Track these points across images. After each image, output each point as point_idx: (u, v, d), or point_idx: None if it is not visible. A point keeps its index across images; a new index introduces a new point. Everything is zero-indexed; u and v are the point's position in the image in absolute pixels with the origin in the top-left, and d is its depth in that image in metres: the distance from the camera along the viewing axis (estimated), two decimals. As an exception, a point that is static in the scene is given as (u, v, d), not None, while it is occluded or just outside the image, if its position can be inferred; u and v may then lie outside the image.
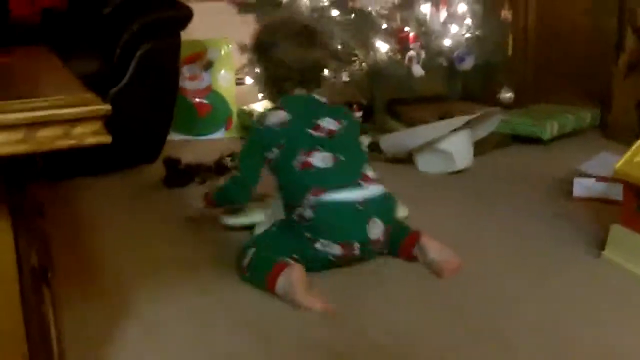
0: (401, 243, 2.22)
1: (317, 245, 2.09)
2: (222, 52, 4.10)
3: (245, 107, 3.98)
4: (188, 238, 2.51)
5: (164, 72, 3.29)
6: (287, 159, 2.18)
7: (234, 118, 4.04)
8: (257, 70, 2.37)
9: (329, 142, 2.21)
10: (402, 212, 2.47)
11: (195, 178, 3.14)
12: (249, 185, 2.29)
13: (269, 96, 2.49)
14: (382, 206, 2.19)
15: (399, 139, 3.31)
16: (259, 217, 2.49)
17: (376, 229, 2.13)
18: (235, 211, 2.56)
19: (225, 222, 2.56)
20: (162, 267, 2.25)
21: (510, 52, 3.94)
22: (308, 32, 2.35)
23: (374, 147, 3.40)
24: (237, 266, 2.16)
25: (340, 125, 2.27)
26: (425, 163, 3.26)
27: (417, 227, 2.28)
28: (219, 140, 3.92)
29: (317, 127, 2.23)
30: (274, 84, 2.34)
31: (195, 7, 3.36)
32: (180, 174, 3.13)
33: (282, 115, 2.23)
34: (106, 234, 2.54)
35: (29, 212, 1.26)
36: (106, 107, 0.92)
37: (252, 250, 2.12)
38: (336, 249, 2.10)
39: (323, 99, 2.36)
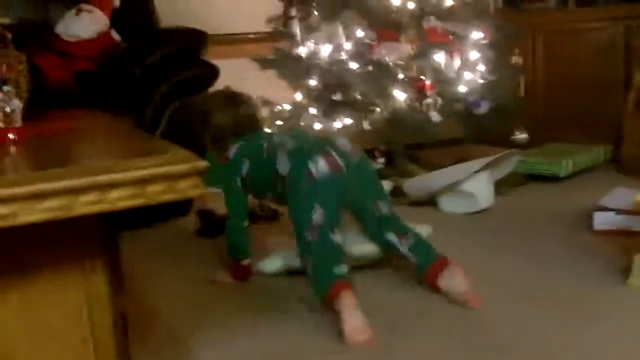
0: (429, 267, 2.34)
1: (312, 169, 2.27)
2: (246, 107, 4.23)
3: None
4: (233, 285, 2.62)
5: (192, 129, 3.42)
6: (256, 158, 2.49)
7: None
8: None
9: (281, 135, 2.59)
10: (424, 230, 2.62)
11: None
12: (242, 221, 2.58)
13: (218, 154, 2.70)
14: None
15: (422, 182, 3.44)
16: (292, 260, 2.59)
17: (341, 142, 2.40)
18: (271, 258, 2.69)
19: (262, 268, 2.67)
20: (213, 311, 2.36)
21: (522, 94, 4.06)
22: (231, 96, 2.72)
23: (397, 191, 3.52)
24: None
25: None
26: (449, 204, 3.38)
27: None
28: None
29: (268, 134, 2.65)
30: (218, 144, 2.64)
31: (219, 64, 3.52)
32: (214, 225, 3.24)
33: (235, 145, 2.57)
34: (155, 284, 2.64)
35: (112, 262, 1.38)
36: (204, 164, 1.05)
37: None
38: (322, 164, 2.27)
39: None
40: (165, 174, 1.02)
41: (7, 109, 1.34)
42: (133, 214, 2.93)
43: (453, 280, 2.29)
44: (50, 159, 1.16)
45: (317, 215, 2.24)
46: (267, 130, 3.61)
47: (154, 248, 3.09)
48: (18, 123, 1.37)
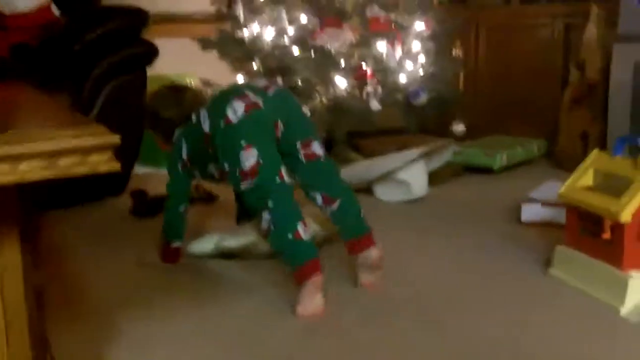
0: (355, 240, 2.33)
1: (229, 115, 2.24)
2: (186, 87, 4.22)
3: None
4: (161, 265, 2.61)
5: (130, 107, 3.39)
6: (192, 134, 2.44)
7: (197, 151, 4.16)
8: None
9: None
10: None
11: (161, 209, 3.24)
12: (181, 205, 2.58)
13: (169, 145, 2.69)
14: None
15: (359, 170, 3.46)
16: (225, 241, 2.61)
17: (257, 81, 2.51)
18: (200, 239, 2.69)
19: (192, 250, 2.66)
20: (141, 290, 2.35)
21: (462, 87, 4.12)
22: (175, 89, 2.73)
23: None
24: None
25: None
26: (384, 192, 3.42)
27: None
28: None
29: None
30: (169, 134, 2.61)
31: (161, 43, 3.50)
32: (147, 206, 3.23)
33: (178, 131, 2.55)
34: (83, 262, 2.63)
35: (30, 237, 1.37)
36: (116, 138, 1.05)
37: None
38: (237, 105, 2.24)
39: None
40: (76, 147, 1.01)
41: None
42: (65, 191, 2.92)
43: (369, 261, 2.31)
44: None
45: (249, 158, 2.19)
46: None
47: (86, 227, 3.07)
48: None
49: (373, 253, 2.30)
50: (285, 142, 2.33)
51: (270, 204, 2.17)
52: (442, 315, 2.12)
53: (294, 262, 2.17)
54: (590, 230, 2.20)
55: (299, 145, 2.34)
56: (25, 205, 1.29)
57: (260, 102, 2.28)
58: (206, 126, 2.32)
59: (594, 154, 2.35)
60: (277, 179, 2.20)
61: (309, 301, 2.14)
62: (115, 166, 1.06)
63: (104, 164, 1.05)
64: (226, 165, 2.26)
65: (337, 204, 2.34)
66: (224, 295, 2.32)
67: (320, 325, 2.07)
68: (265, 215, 2.18)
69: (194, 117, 2.43)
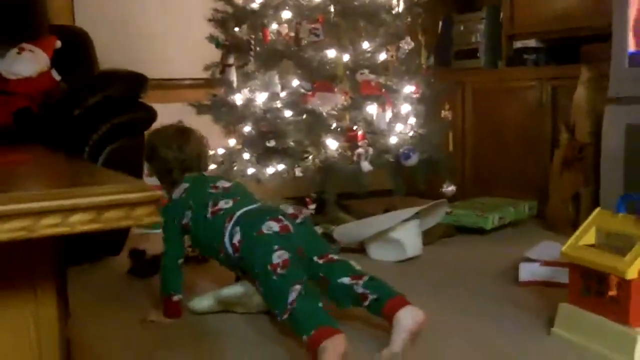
0: (390, 300, 2.30)
1: (265, 230, 2.41)
2: (179, 150, 4.28)
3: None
4: (164, 322, 2.63)
5: (128, 170, 3.43)
6: (200, 214, 2.59)
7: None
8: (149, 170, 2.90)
9: (227, 194, 2.66)
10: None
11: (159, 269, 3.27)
12: (177, 260, 2.66)
13: (165, 187, 2.81)
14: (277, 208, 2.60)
15: (352, 229, 3.53)
16: (222, 296, 2.65)
17: (286, 208, 2.57)
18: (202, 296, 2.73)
19: (192, 307, 2.70)
20: (145, 348, 2.38)
21: (451, 148, 4.21)
22: (180, 132, 2.85)
23: (327, 238, 3.59)
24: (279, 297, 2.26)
25: (231, 184, 2.75)
26: (377, 252, 3.47)
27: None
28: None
29: (215, 187, 2.69)
30: (166, 176, 2.78)
31: (156, 107, 3.57)
32: (145, 265, 3.26)
33: (183, 187, 2.69)
34: (85, 322, 2.65)
35: (62, 291, 1.42)
36: (159, 193, 1.11)
37: (299, 287, 2.23)
38: (274, 225, 2.43)
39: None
40: (124, 201, 1.07)
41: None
42: (67, 250, 2.94)
43: (409, 316, 2.25)
44: (8, 185, 1.20)
45: (279, 255, 2.32)
46: (212, 169, 3.71)
47: (85, 286, 3.08)
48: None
49: (416, 312, 2.27)
50: (306, 264, 2.46)
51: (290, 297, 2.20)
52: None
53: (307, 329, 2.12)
54: (594, 288, 2.22)
55: (316, 258, 2.49)
56: (59, 260, 1.34)
57: (291, 227, 2.47)
58: (235, 239, 2.45)
59: (596, 212, 2.38)
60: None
61: None
62: (157, 219, 1.12)
63: (148, 217, 1.10)
64: (254, 265, 2.37)
65: (367, 276, 2.41)
66: (227, 349, 2.34)
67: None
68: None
69: (207, 202, 2.59)
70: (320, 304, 2.20)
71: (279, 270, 2.27)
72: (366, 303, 2.35)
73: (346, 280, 2.39)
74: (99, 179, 1.24)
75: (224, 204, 2.57)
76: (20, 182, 1.28)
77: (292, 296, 2.19)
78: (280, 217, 2.49)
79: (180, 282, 2.65)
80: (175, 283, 2.64)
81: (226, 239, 2.48)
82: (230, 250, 2.48)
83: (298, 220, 2.54)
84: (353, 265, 2.50)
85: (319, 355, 2.02)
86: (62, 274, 1.41)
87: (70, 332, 1.55)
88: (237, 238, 2.45)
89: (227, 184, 2.73)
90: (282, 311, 2.19)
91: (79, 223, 1.05)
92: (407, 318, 2.23)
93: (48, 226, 1.03)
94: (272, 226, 2.42)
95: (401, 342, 2.18)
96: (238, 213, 2.51)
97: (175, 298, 2.63)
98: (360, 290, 2.36)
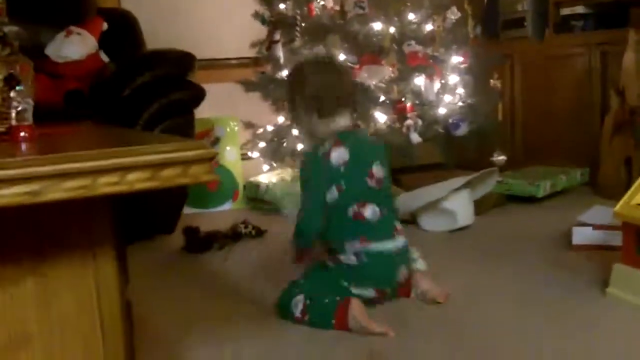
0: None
1: (352, 290, 2.31)
2: (228, 129, 4.33)
3: (251, 180, 4.20)
4: (224, 291, 2.67)
5: (179, 147, 3.48)
6: (343, 206, 2.35)
7: (240, 190, 4.25)
8: (292, 107, 2.52)
9: (378, 193, 2.40)
10: (420, 265, 2.59)
11: (214, 245, 3.32)
12: (315, 226, 2.39)
13: (307, 132, 2.59)
14: (407, 255, 2.45)
15: (403, 200, 3.52)
16: None
17: (403, 275, 2.39)
18: None
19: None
20: (204, 319, 2.42)
21: (500, 118, 4.17)
22: (331, 63, 2.66)
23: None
24: (284, 313, 2.35)
25: (384, 171, 2.46)
26: (429, 222, 3.46)
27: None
28: (228, 212, 4.12)
29: (371, 175, 2.39)
30: (314, 110, 2.40)
31: (205, 87, 3.59)
32: (200, 242, 3.31)
33: (343, 154, 2.34)
34: (143, 294, 2.69)
35: (121, 255, 1.44)
36: (214, 151, 1.12)
37: (301, 297, 2.30)
38: (371, 293, 2.33)
39: (370, 138, 2.67)
40: (180, 159, 1.09)
41: (20, 108, 1.41)
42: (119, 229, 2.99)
43: (419, 285, 2.45)
44: (66, 148, 1.22)
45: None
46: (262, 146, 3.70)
47: (141, 263, 3.13)
48: (29, 121, 1.43)
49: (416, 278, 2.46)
50: None
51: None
52: (501, 344, 2.11)
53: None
54: (648, 247, 2.20)
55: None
56: (118, 227, 1.36)
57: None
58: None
59: (648, 171, 2.37)
60: None
61: (372, 324, 2.18)
62: (215, 177, 1.14)
63: (204, 174, 1.12)
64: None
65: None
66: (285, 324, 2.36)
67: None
68: None
69: (356, 205, 2.35)
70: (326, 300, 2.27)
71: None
72: None
73: None
74: (154, 140, 1.25)
75: (369, 214, 2.35)
76: (77, 145, 1.30)
77: (299, 308, 2.29)
78: (386, 290, 2.38)
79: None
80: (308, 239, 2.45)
81: (346, 256, 2.34)
82: (329, 259, 2.40)
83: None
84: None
85: (352, 324, 2.19)
86: (121, 238, 1.43)
87: (130, 296, 1.57)
88: (345, 261, 2.34)
89: (381, 174, 2.44)
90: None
91: (137, 181, 1.07)
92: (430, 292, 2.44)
93: (107, 184, 1.05)
94: (368, 292, 2.34)
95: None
96: (372, 249, 2.33)
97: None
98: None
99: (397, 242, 2.39)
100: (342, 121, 2.42)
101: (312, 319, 2.27)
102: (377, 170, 2.42)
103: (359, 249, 2.31)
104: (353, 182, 2.36)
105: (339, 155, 2.34)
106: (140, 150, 1.07)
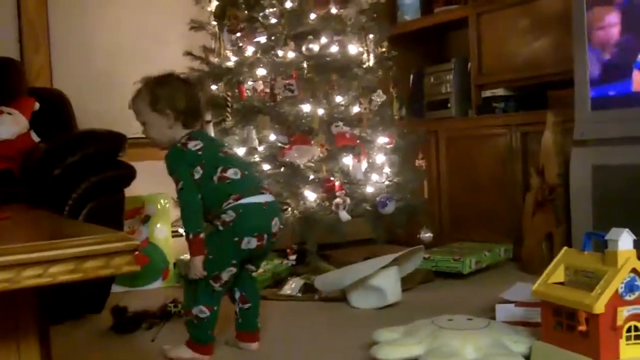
0: (248, 332, 2.88)
1: (243, 245, 2.65)
2: (159, 207, 4.34)
3: (182, 257, 4.20)
4: None
5: (108, 226, 3.47)
6: (209, 176, 2.67)
7: (171, 268, 4.25)
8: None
9: (235, 160, 2.82)
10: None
11: (142, 324, 3.30)
12: (195, 202, 2.68)
13: (165, 139, 2.85)
14: (277, 208, 2.84)
15: (332, 278, 3.57)
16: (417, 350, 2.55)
17: (276, 224, 2.74)
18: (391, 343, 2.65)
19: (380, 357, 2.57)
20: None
21: (426, 195, 4.29)
22: (186, 82, 2.96)
23: (309, 287, 3.66)
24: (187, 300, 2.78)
25: (235, 152, 3.08)
26: (358, 299, 3.51)
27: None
28: (158, 290, 4.12)
29: (224, 152, 2.81)
30: (181, 118, 2.77)
31: (136, 165, 3.62)
32: (128, 321, 3.28)
33: (197, 143, 2.72)
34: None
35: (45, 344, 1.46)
36: (137, 242, 1.17)
37: (205, 310, 2.70)
38: (254, 242, 2.66)
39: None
40: (103, 251, 1.13)
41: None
42: (49, 308, 2.97)
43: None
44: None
45: (228, 271, 2.67)
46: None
47: (69, 343, 3.10)
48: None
49: (254, 346, 2.86)
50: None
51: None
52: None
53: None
54: (565, 324, 2.28)
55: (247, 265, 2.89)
56: (43, 313, 1.39)
57: (264, 245, 2.75)
58: (228, 218, 2.65)
59: (564, 251, 2.46)
60: None
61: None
62: (136, 268, 1.18)
63: (126, 266, 1.16)
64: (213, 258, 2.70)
65: (252, 304, 2.87)
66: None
67: None
68: None
69: (219, 170, 2.67)
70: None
71: (217, 286, 2.68)
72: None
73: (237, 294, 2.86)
74: (78, 231, 1.29)
75: (233, 174, 2.68)
76: (2, 236, 1.33)
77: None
78: (264, 235, 2.68)
79: (202, 220, 2.71)
80: (199, 221, 2.69)
81: (226, 214, 2.63)
82: (218, 223, 2.66)
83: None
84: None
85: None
86: (45, 327, 1.45)
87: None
88: (228, 219, 2.63)
89: (232, 151, 2.97)
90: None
91: (60, 273, 1.11)
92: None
93: (30, 277, 1.08)
94: (251, 242, 2.65)
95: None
96: (244, 202, 2.64)
97: (202, 236, 2.67)
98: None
99: (266, 197, 2.74)
100: (197, 126, 2.87)
101: (196, 328, 2.74)
102: (229, 149, 2.93)
103: (234, 204, 2.63)
104: (211, 158, 2.70)
105: (194, 144, 2.72)
106: (63, 244, 1.11)
